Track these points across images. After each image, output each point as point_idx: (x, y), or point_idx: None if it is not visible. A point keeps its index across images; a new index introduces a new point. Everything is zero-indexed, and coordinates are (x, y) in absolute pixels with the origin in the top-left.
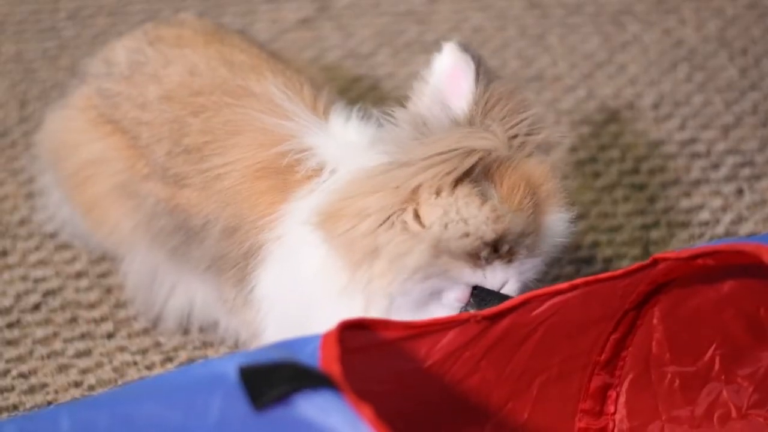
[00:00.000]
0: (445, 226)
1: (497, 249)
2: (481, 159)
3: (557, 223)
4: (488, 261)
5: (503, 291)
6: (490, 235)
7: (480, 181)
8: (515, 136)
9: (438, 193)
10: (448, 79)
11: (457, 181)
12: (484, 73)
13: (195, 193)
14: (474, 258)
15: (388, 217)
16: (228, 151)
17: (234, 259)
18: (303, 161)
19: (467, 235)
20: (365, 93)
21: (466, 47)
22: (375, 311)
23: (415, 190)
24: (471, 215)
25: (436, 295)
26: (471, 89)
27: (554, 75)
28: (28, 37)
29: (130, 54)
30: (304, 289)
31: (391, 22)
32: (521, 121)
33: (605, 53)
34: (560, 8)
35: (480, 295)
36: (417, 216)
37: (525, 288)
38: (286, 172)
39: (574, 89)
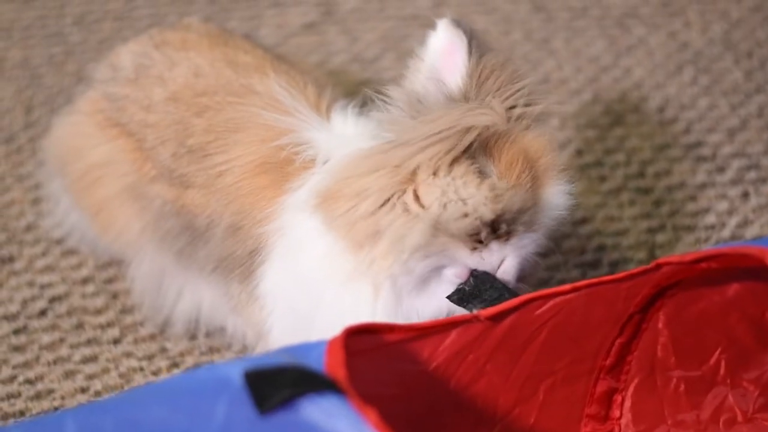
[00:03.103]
0: (444, 206)
1: (495, 229)
2: (478, 135)
3: (556, 195)
4: (486, 242)
5: (503, 267)
6: (488, 215)
7: (478, 157)
8: (513, 107)
9: (436, 172)
10: (442, 56)
11: (455, 159)
12: (476, 47)
13: (199, 193)
14: (472, 238)
15: (389, 199)
16: (230, 148)
17: (239, 258)
18: (300, 154)
19: (466, 215)
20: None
21: (458, 23)
22: (382, 295)
23: (414, 170)
24: (469, 195)
25: (436, 272)
26: (464, 63)
27: (559, 78)
28: (34, 43)
29: (135, 58)
30: (308, 279)
31: (396, 26)
32: (516, 91)
33: (610, 57)
34: (565, 12)
35: (480, 277)
36: (417, 197)
37: (525, 263)
38: (284, 165)
39: (579, 93)
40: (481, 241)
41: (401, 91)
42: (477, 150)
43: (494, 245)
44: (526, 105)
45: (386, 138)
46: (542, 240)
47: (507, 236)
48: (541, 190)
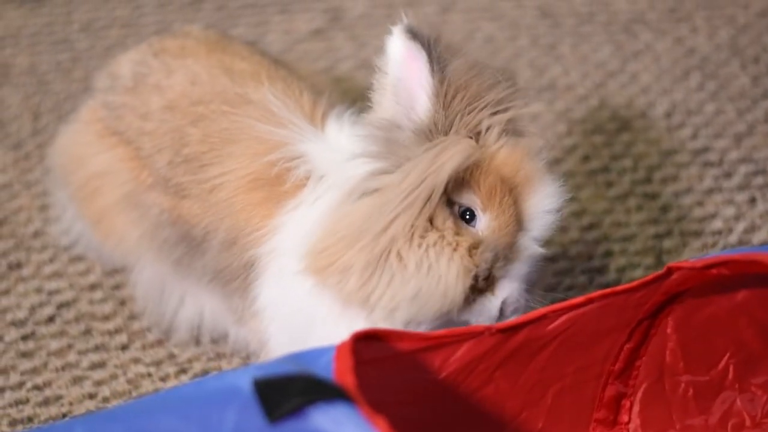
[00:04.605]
0: (420, 287)
1: (477, 285)
2: (452, 177)
3: (543, 201)
4: (473, 300)
5: (506, 303)
6: (461, 296)
7: (456, 194)
8: (481, 122)
9: (411, 238)
10: (403, 64)
11: (430, 216)
12: (437, 60)
13: (195, 204)
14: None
15: (373, 272)
16: (224, 160)
17: (235, 271)
18: (292, 170)
19: (438, 298)
20: None
21: (414, 33)
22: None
23: (392, 238)
24: (442, 272)
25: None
26: (428, 81)
27: (566, 84)
28: (41, 50)
29: (134, 66)
30: (303, 302)
31: None
32: (485, 106)
33: (617, 62)
34: (572, 17)
35: None
36: (400, 257)
37: (530, 277)
38: (277, 183)
39: (586, 98)
40: (468, 302)
41: (374, 125)
42: (455, 187)
43: (483, 300)
44: (494, 114)
45: (364, 184)
46: (540, 248)
47: (492, 284)
48: (525, 205)
